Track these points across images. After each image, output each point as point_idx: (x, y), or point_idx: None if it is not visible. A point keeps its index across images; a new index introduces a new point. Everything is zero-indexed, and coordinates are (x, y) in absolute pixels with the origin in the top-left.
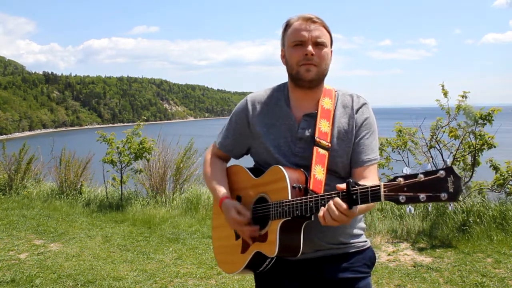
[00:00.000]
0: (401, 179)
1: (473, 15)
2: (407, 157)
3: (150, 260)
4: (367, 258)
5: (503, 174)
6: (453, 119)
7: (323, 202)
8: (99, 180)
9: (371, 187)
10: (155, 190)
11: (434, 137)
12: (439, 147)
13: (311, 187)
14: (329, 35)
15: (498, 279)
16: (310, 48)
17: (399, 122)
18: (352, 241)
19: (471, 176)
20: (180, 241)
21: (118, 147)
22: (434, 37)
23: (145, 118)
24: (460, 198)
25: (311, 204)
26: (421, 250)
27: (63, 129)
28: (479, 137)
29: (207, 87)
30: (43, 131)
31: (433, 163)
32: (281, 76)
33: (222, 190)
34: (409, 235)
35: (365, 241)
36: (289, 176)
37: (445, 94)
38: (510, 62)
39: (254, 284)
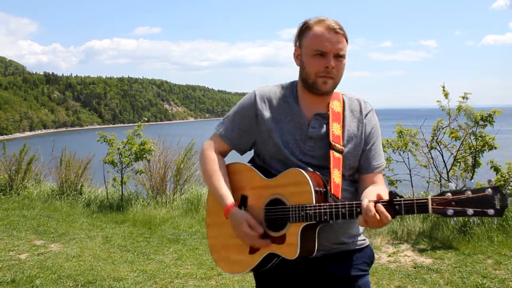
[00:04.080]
0: (449, 194)
1: (473, 16)
2: (408, 158)
3: (150, 261)
4: (367, 256)
5: (504, 175)
6: (454, 120)
7: (358, 210)
8: (100, 181)
9: (417, 199)
10: (156, 191)
11: (435, 138)
12: (440, 148)
13: (332, 191)
14: (347, 44)
15: (499, 281)
16: (332, 62)
17: (400, 123)
18: (352, 240)
19: (471, 177)
20: (180, 241)
21: (118, 148)
22: (435, 39)
23: (145, 119)
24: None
25: (343, 211)
26: (421, 251)
27: (64, 129)
28: (479, 138)
29: (207, 87)
30: (44, 131)
31: (434, 164)
32: (282, 77)
33: (228, 196)
34: (409, 236)
35: (364, 240)
36: (311, 180)
37: (446, 95)
38: (510, 63)
39: (255, 284)
